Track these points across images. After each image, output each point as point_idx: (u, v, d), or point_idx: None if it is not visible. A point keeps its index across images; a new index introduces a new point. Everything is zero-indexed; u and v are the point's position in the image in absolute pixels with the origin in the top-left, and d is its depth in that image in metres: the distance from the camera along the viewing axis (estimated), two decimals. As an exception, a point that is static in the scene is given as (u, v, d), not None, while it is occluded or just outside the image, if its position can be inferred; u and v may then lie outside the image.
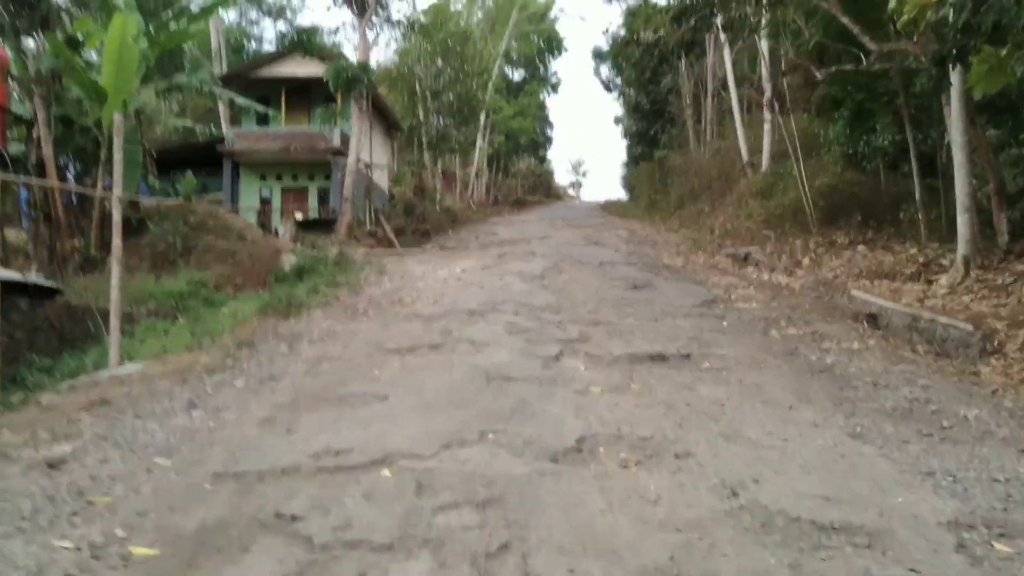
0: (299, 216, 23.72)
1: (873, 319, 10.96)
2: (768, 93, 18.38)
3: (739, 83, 24.97)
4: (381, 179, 29.19)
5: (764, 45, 21.21)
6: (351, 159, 21.83)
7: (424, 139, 33.36)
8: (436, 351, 8.05)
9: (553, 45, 46.04)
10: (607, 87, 35.23)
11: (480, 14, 43.05)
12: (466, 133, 37.96)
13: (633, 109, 32.02)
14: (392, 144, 39.46)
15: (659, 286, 13.14)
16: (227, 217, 15.87)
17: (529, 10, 41.60)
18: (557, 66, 63.86)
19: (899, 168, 17.57)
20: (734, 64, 26.55)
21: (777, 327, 9.70)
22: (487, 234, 25.67)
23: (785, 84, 22.04)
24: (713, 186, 26.74)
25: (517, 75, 47.30)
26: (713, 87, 27.80)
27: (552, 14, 44.73)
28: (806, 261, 16.28)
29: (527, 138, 47.93)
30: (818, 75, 13.36)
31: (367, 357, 7.87)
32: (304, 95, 25.74)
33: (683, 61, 28.82)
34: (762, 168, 23.53)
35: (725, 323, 9.91)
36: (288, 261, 15.59)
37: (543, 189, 63.98)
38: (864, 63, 14.23)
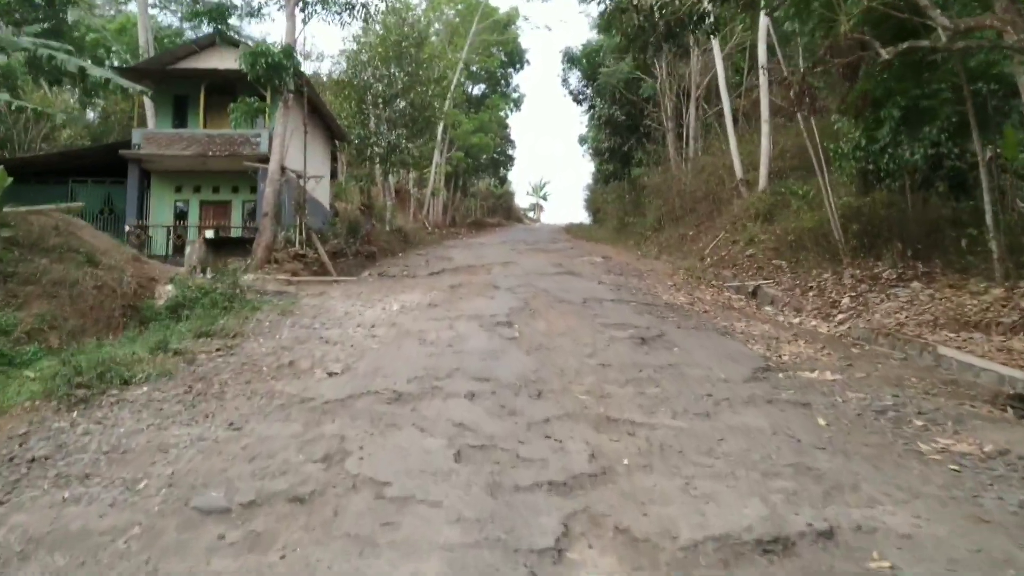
0: (209, 234, 19.15)
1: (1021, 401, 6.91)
2: (794, 90, 14.44)
3: (732, 88, 21.20)
4: (321, 193, 24.73)
5: (762, 36, 17.42)
6: (272, 165, 17.36)
7: (374, 151, 28.99)
8: (289, 524, 3.70)
9: (515, 57, 42.14)
10: (576, 98, 31.24)
11: (438, 25, 38.96)
12: (421, 147, 33.70)
13: (605, 122, 28.07)
14: (340, 157, 35.05)
15: (676, 339, 8.96)
16: (79, 234, 11.30)
17: (491, 18, 37.65)
18: (520, 80, 59.91)
19: (931, 187, 13.79)
20: (727, 64, 22.85)
21: (912, 428, 5.56)
22: (441, 259, 21.34)
23: (788, 84, 18.23)
24: (699, 207, 22.84)
25: (478, 89, 43.29)
26: (697, 95, 24.01)
27: (516, 24, 40.85)
28: (846, 301, 12.30)
29: (488, 156, 43.81)
30: (883, 53, 9.57)
31: (143, 540, 3.50)
32: (229, 93, 21.20)
33: (663, 67, 25.02)
34: (759, 187, 19.68)
35: (822, 420, 5.73)
36: (164, 294, 11.10)
37: (503, 211, 59.87)
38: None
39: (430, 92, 28.77)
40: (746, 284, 15.16)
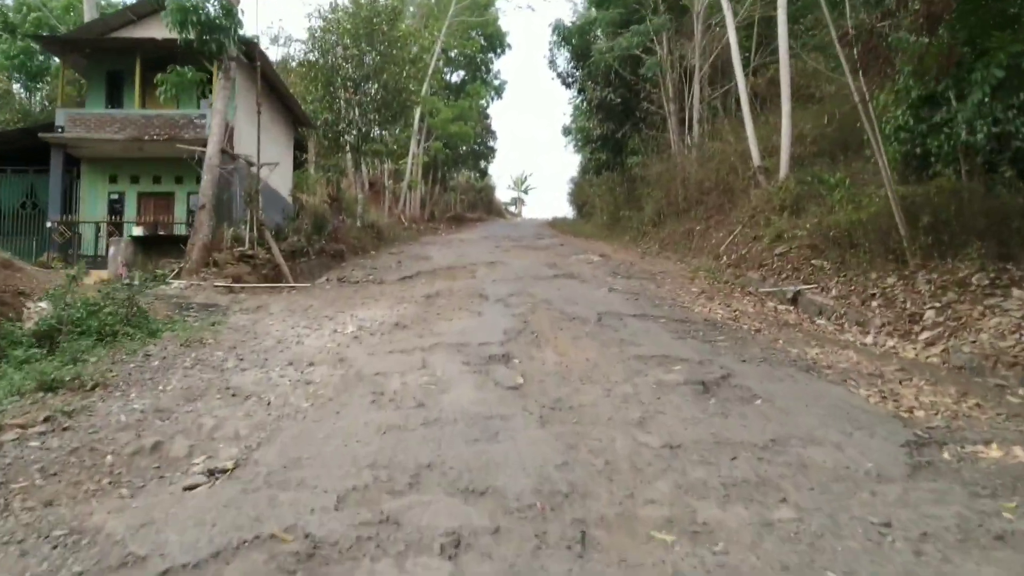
0: (137, 231, 16.00)
1: None
2: (857, 49, 11.42)
3: (744, 67, 18.28)
4: (281, 184, 21.57)
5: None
6: (210, 148, 14.20)
7: (344, 139, 25.84)
8: None
9: (496, 42, 39.00)
10: (565, 81, 28.11)
11: (413, 8, 35.77)
12: (396, 135, 30.57)
13: (597, 107, 25.08)
14: (310, 146, 31.85)
15: (751, 382, 6.03)
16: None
17: (470, -1, 34.50)
18: (501, 66, 56.56)
19: (996, 172, 11.05)
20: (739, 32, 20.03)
21: None
22: (417, 258, 18.32)
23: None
24: (707, 199, 19.98)
25: (457, 76, 40.09)
26: (701, 75, 21.10)
27: (496, 6, 37.64)
28: (930, 314, 9.49)
29: (468, 147, 40.72)
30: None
31: None
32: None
33: (665, 43, 22.10)
34: (779, 174, 16.84)
35: None
36: (35, 314, 8.02)
37: (484, 205, 56.73)
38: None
39: (405, 74, 25.66)
40: (783, 289, 12.36)
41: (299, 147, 31.90)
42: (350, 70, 25.02)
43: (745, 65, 21.61)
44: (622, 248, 22.16)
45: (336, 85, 25.18)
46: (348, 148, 26.08)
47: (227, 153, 17.65)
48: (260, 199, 17.57)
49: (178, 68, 13.58)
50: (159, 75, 13.57)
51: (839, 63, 12.73)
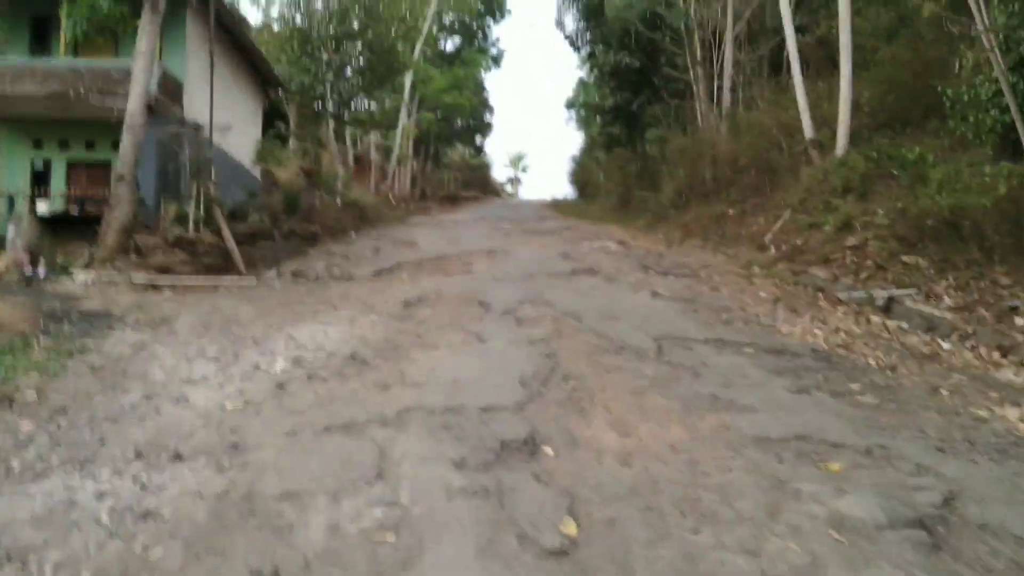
0: (43, 207, 12.90)
1: None
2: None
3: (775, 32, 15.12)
4: (246, 156, 18.34)
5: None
6: (132, 103, 11.02)
7: (323, 105, 22.64)
8: None
9: (495, 4, 35.60)
10: (574, 44, 24.87)
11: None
12: (383, 104, 27.36)
13: (611, 73, 21.90)
14: (290, 115, 28.63)
15: (999, 517, 3.06)
16: None
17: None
18: (500, 33, 52.86)
19: None
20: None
21: None
22: (400, 244, 15.23)
23: None
24: (742, 178, 16.96)
25: (452, 44, 36.72)
26: (735, 33, 17.93)
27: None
28: None
29: (463, 121, 37.44)
30: None
31: None
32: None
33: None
34: (837, 149, 13.84)
35: None
36: None
37: (479, 184, 53.40)
38: None
39: (393, 32, 22.43)
40: (870, 294, 9.40)
41: (278, 116, 28.64)
42: (331, 27, 21.81)
43: (776, 32, 18.50)
44: (640, 234, 19.14)
45: (313, 43, 22.01)
46: (328, 116, 22.85)
47: (173, 116, 14.50)
48: (212, 170, 14.49)
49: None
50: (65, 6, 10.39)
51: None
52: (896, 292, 9.26)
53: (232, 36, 16.81)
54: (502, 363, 5.21)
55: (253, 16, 23.43)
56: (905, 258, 10.13)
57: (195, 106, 15.13)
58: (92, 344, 5.78)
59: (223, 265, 12.22)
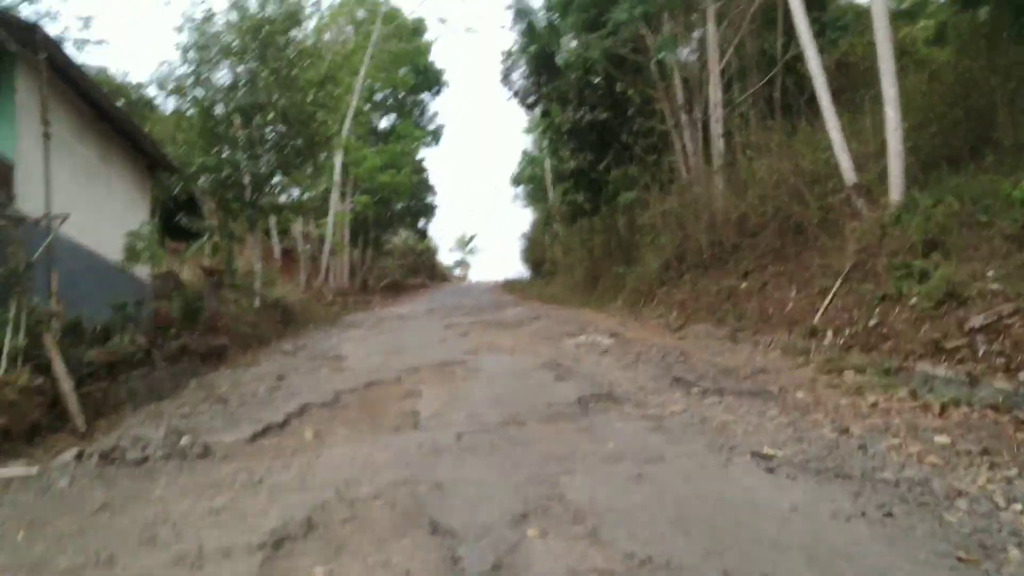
0: None
1: None
2: None
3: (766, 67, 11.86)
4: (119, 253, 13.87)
5: None
6: None
7: (229, 192, 18.53)
8: None
9: (431, 78, 32.35)
10: (524, 102, 21.25)
11: (329, 35, 28.94)
12: (311, 186, 23.38)
13: (570, 133, 18.47)
14: (206, 208, 24.34)
15: None
16: None
17: (396, 21, 27.81)
18: (438, 107, 49.82)
19: None
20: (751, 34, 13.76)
21: None
22: (321, 360, 10.97)
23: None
24: (756, 242, 13.34)
25: (386, 121, 33.19)
26: (721, 67, 14.61)
27: (429, 34, 31.03)
28: None
29: (403, 202, 33.66)
30: None
31: None
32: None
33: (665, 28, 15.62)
34: (891, 195, 10.24)
35: None
36: None
37: (426, 270, 49.39)
38: None
39: (311, 99, 18.68)
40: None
41: (188, 208, 24.40)
42: (236, 98, 18.00)
43: (771, 64, 15.34)
44: (628, 319, 15.32)
45: (216, 119, 18.13)
46: (240, 204, 18.74)
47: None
48: (56, 276, 10.20)
49: None
50: None
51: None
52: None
53: (87, 97, 12.70)
54: None
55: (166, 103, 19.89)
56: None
57: (37, 193, 10.88)
58: None
59: (49, 419, 7.84)
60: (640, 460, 4.52)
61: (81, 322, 10.48)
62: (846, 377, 7.39)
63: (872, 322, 9.02)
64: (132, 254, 12.37)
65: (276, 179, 19.65)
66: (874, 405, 6.04)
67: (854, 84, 13.19)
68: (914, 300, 8.59)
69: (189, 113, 18.73)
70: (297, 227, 27.12)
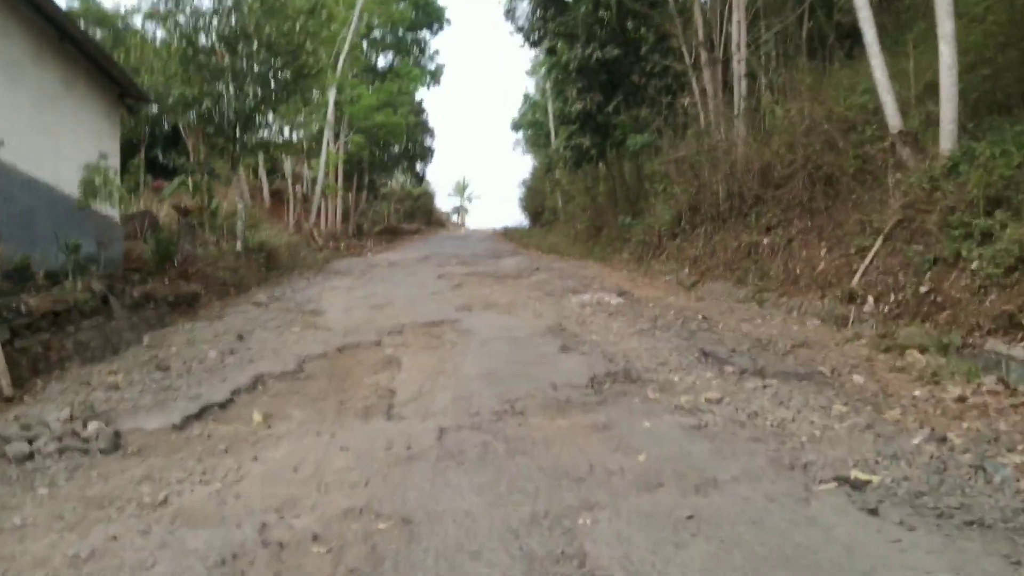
0: None
1: None
2: None
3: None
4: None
5: None
6: None
7: (211, 127, 16.93)
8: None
9: (432, 13, 30.29)
10: (529, 37, 19.41)
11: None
12: (303, 125, 21.77)
13: (578, 71, 16.82)
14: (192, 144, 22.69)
15: None
16: None
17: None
18: (439, 45, 47.55)
19: None
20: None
21: None
22: (295, 314, 9.68)
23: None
24: (779, 195, 11.91)
25: (384, 60, 31.31)
26: (745, 7, 12.97)
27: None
28: None
29: (400, 144, 31.90)
30: None
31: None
32: None
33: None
34: (941, 144, 8.77)
35: None
36: None
37: (423, 215, 47.88)
38: None
39: (298, 27, 16.93)
40: None
41: (171, 144, 22.80)
42: (218, 25, 16.32)
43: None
44: (636, 274, 14.02)
45: (197, 47, 16.42)
46: (219, 138, 17.17)
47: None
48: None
49: None
50: None
51: None
52: None
53: (56, 24, 11.07)
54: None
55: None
56: None
57: (11, 124, 9.38)
58: None
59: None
60: (686, 486, 3.27)
61: (29, 265, 9.15)
62: (909, 358, 6.10)
63: (923, 288, 7.72)
64: (90, 190, 10.90)
65: (265, 115, 18.05)
66: (962, 400, 4.77)
67: (897, 23, 11.59)
68: (976, 264, 7.26)
69: (171, 42, 17.02)
70: (287, 167, 25.49)
